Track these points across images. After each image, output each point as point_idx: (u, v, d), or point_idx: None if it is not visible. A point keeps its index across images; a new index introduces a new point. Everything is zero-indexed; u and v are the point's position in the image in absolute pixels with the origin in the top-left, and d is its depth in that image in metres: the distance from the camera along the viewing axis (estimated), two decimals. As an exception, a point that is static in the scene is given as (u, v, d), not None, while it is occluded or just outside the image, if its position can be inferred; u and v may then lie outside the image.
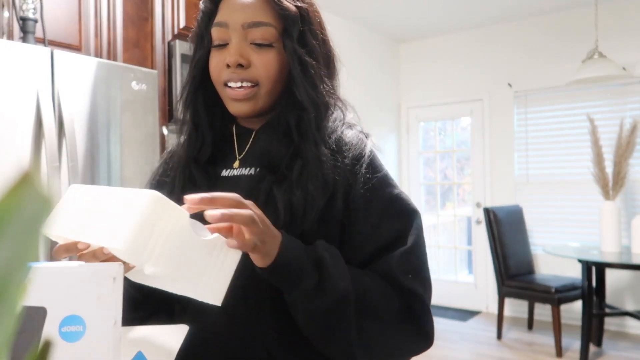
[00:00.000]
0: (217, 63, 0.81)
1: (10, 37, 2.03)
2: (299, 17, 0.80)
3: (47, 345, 0.18)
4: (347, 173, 0.78)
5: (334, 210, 0.76)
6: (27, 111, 1.78)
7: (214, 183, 0.84)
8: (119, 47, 2.37)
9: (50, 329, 0.52)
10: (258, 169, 0.81)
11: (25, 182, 0.17)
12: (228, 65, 0.79)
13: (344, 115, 0.86)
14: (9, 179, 0.16)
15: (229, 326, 0.76)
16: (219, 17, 0.81)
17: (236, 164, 0.85)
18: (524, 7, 4.26)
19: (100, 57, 2.30)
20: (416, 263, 0.76)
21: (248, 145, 0.86)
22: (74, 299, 0.53)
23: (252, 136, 0.86)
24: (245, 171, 0.83)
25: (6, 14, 2.03)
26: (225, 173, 0.85)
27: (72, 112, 1.90)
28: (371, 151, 0.82)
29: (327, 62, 0.85)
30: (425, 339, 0.76)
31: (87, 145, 1.97)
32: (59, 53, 1.89)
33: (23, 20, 1.99)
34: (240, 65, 0.78)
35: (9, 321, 0.17)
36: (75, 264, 0.59)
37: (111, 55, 2.34)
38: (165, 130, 2.47)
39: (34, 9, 2.03)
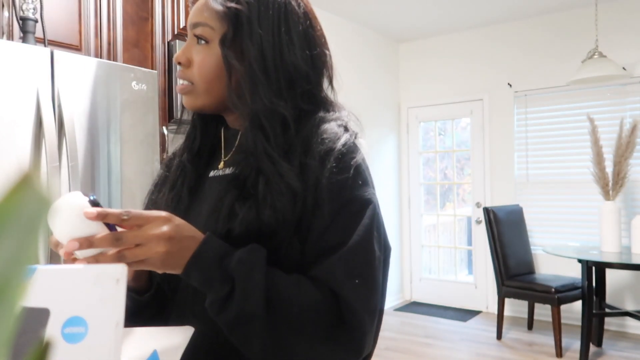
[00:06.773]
0: None
1: (10, 37, 2.03)
2: (232, 17, 0.78)
3: (47, 347, 0.18)
4: (316, 170, 0.74)
5: (306, 213, 0.74)
6: (27, 111, 1.78)
7: (203, 184, 0.87)
8: (119, 47, 2.37)
9: (52, 330, 0.52)
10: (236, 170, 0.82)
11: (25, 182, 0.16)
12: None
13: (320, 115, 0.81)
14: (9, 179, 0.16)
15: (219, 331, 0.75)
16: None
17: (221, 165, 0.87)
18: (524, 7, 4.26)
19: (100, 57, 2.30)
20: (354, 266, 0.72)
21: (234, 147, 0.87)
22: (77, 301, 0.53)
23: (238, 138, 0.87)
24: (228, 171, 0.84)
25: (6, 14, 2.03)
26: (212, 174, 0.87)
27: (72, 112, 1.90)
28: (344, 145, 0.77)
29: (282, 67, 0.79)
30: (355, 353, 0.72)
31: (87, 145, 1.97)
32: (59, 53, 1.89)
33: (23, 20, 1.99)
34: (180, 63, 0.83)
35: (9, 321, 0.17)
36: (79, 265, 0.59)
37: (111, 55, 2.34)
38: (165, 130, 2.47)
39: (34, 9, 2.02)
